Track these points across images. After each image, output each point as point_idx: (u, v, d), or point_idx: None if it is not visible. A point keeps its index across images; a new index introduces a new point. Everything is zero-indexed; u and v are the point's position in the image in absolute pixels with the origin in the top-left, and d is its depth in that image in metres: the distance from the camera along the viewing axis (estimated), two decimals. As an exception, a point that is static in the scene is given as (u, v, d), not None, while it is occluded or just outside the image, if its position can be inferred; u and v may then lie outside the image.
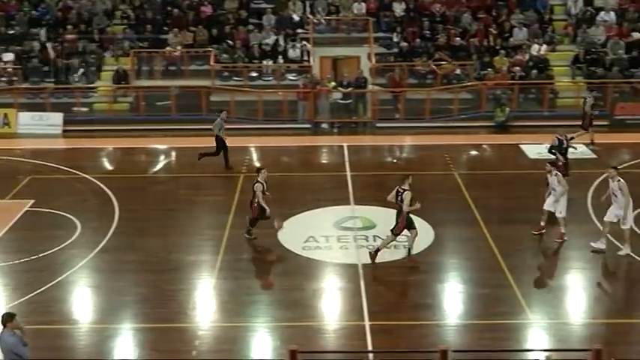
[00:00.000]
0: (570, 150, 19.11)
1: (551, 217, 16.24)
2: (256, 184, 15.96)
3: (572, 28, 28.38)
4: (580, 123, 23.17)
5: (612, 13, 28.24)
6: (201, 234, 16.97)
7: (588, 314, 13.59)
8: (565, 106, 26.16)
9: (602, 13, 28.21)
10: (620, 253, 15.37)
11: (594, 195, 18.52)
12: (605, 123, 25.00)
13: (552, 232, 16.31)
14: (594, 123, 23.21)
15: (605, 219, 15.51)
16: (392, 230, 15.13)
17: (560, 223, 16.03)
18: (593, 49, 27.18)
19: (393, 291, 14.29)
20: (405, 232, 15.15)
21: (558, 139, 18.71)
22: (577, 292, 14.49)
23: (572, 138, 21.95)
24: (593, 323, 13.18)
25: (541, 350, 11.41)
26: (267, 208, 15.92)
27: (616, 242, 15.62)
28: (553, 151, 18.68)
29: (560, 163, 18.06)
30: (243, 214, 17.78)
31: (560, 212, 15.97)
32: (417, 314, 13.36)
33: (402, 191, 14.91)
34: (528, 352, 11.78)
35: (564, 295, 14.28)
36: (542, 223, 16.33)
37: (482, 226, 16.88)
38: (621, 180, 15.43)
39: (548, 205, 16.20)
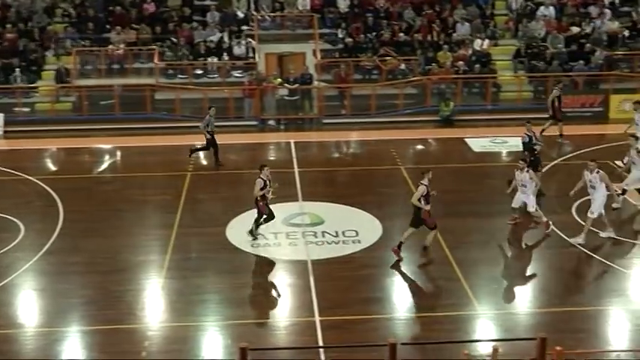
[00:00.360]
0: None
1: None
2: (257, 180, 15.83)
3: (514, 23, 28.86)
4: (548, 115, 23.57)
5: (552, 8, 28.79)
6: (149, 234, 16.81)
7: (534, 304, 13.87)
8: (508, 100, 26.61)
9: (541, 8, 28.73)
10: (576, 240, 15.70)
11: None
12: (546, 116, 25.47)
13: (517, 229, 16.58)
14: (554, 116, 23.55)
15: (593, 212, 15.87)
16: (421, 226, 15.26)
17: (536, 216, 16.25)
18: (534, 44, 27.67)
19: (343, 286, 14.35)
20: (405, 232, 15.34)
21: (527, 135, 18.58)
22: (522, 283, 14.77)
23: (541, 131, 22.42)
24: (539, 312, 13.45)
25: (488, 340, 11.59)
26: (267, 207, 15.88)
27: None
28: (533, 147, 18.50)
29: (528, 160, 18.17)
30: (190, 212, 17.71)
31: (533, 207, 16.15)
32: (366, 308, 13.45)
33: (419, 184, 15.26)
34: (476, 343, 11.96)
35: (510, 286, 14.54)
36: (516, 215, 16.52)
37: (430, 220, 17.06)
38: (600, 171, 15.87)
39: (517, 202, 16.31)
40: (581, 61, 26.89)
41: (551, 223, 16.28)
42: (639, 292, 14.27)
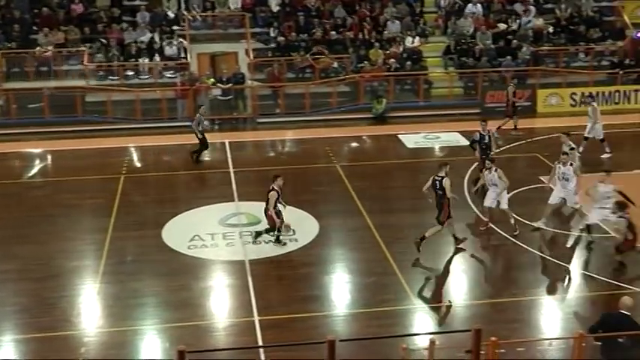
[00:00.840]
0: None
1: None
2: (271, 192, 15.44)
3: (443, 20, 29.34)
4: (504, 110, 24.14)
5: (479, 5, 29.36)
6: (83, 239, 16.52)
7: (469, 296, 14.14)
8: (439, 96, 27.03)
9: (469, 5, 29.28)
10: (580, 227, 16.19)
11: (470, 181, 19.26)
12: (477, 111, 26.00)
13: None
14: (513, 110, 24.15)
15: (569, 204, 16.34)
16: (437, 219, 15.35)
17: (509, 215, 16.34)
18: (463, 40, 28.19)
19: (281, 285, 14.38)
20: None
21: (480, 133, 18.66)
22: (458, 276, 15.03)
23: (499, 127, 22.85)
24: (474, 304, 13.72)
25: (426, 334, 11.77)
26: (280, 217, 15.56)
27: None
28: (474, 145, 18.71)
29: (483, 157, 18.40)
30: (125, 216, 17.46)
31: (506, 204, 16.23)
32: (305, 306, 13.50)
33: (439, 179, 15.21)
34: (414, 337, 12.13)
35: (446, 279, 14.80)
36: (486, 218, 16.59)
37: (366, 216, 17.23)
38: (574, 164, 16.42)
39: (489, 201, 16.36)
40: (509, 57, 27.53)
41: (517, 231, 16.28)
42: (569, 282, 14.69)
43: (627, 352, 10.03)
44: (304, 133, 24.08)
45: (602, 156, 20.76)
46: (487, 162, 16.55)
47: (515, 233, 16.07)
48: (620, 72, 27.14)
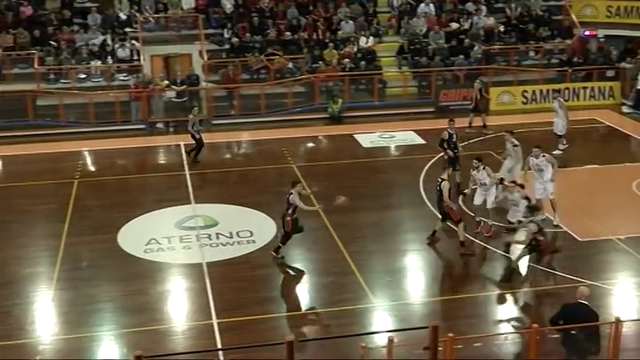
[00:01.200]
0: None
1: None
2: (291, 196, 15.05)
3: (396, 20, 29.52)
4: (472, 108, 24.28)
5: (431, 5, 29.61)
6: (36, 245, 16.24)
7: (427, 293, 14.26)
8: (393, 96, 27.20)
9: (422, 5, 29.51)
10: (555, 222, 16.42)
11: (425, 179, 19.43)
12: (431, 110, 26.26)
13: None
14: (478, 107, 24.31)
15: (537, 197, 16.50)
16: (443, 220, 15.58)
17: (490, 215, 16.46)
18: (416, 40, 28.40)
19: (240, 287, 14.32)
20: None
21: (449, 132, 18.70)
22: (415, 273, 15.16)
23: (470, 124, 23.01)
24: (432, 301, 13.86)
25: (384, 332, 11.85)
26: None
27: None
28: (444, 145, 18.68)
29: (447, 157, 18.49)
30: (79, 221, 17.23)
31: (492, 203, 16.26)
32: (264, 308, 13.48)
33: (440, 181, 15.36)
34: (373, 335, 12.19)
35: (404, 277, 14.91)
36: (478, 218, 16.49)
37: (323, 216, 17.24)
38: (547, 155, 16.64)
39: (478, 200, 16.36)
40: (462, 56, 27.82)
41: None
42: (523, 278, 14.89)
43: (585, 342, 10.28)
44: (260, 134, 24.03)
45: (554, 152, 21.10)
46: (475, 161, 16.55)
47: (488, 235, 16.26)
48: (569, 70, 27.62)
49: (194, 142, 21.35)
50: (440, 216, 15.88)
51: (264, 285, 14.43)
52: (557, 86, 27.01)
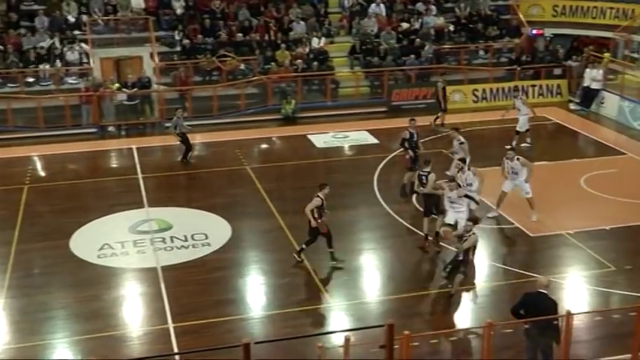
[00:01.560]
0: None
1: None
2: (315, 198, 14.88)
3: (347, 21, 29.64)
4: (438, 106, 24.56)
5: (382, 5, 29.79)
6: (-15, 253, 15.93)
7: (383, 292, 14.36)
8: (346, 96, 27.31)
9: (372, 6, 29.67)
10: (533, 219, 16.64)
11: (379, 178, 19.56)
12: (384, 109, 26.43)
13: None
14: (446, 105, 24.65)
15: (504, 189, 16.88)
16: (432, 214, 15.71)
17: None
18: (368, 40, 28.55)
19: (195, 290, 14.23)
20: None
21: (410, 132, 18.77)
22: (371, 272, 15.25)
23: (436, 121, 23.07)
24: (388, 299, 13.95)
25: (340, 331, 11.89)
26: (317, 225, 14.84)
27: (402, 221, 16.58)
28: (405, 144, 18.72)
29: (408, 157, 18.54)
30: (30, 227, 16.95)
31: (477, 204, 16.24)
32: (220, 311, 13.42)
33: (424, 174, 15.58)
34: (330, 335, 12.23)
35: (360, 276, 14.98)
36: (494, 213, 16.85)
37: (278, 217, 17.26)
38: (520, 158, 16.88)
39: (450, 219, 15.93)
40: (413, 56, 28.05)
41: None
42: (477, 274, 15.07)
43: (546, 330, 10.57)
44: (213, 137, 23.89)
45: (507, 146, 21.37)
46: (458, 162, 16.66)
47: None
48: (518, 68, 28.07)
49: (181, 143, 21.41)
50: (424, 211, 15.92)
51: (220, 288, 14.37)
52: (507, 84, 27.47)
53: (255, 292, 14.36)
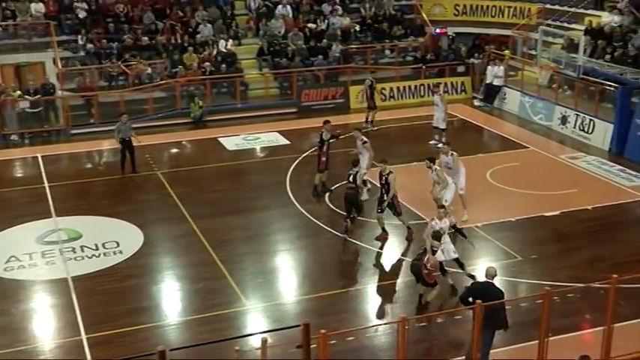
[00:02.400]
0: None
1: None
2: (390, 176, 15.80)
3: (254, 22, 29.63)
4: (367, 105, 24.83)
5: (288, 7, 29.92)
6: None
7: (299, 292, 14.43)
8: (256, 97, 27.28)
9: (279, 7, 29.77)
10: (464, 219, 16.75)
11: (292, 179, 19.66)
12: (294, 110, 26.54)
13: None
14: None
15: (459, 190, 17.04)
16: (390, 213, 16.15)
17: (447, 211, 16.40)
18: (275, 42, 28.61)
19: (108, 299, 13.95)
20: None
21: (323, 132, 18.59)
22: (287, 273, 15.31)
23: (369, 121, 23.17)
24: (305, 299, 14.03)
25: (257, 333, 11.88)
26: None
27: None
28: (321, 144, 18.63)
29: (324, 159, 18.52)
30: None
31: (446, 201, 16.26)
32: (135, 319, 13.21)
33: (387, 173, 15.90)
34: (248, 338, 12.20)
35: (275, 278, 15.02)
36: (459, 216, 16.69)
37: (191, 222, 17.11)
38: (454, 153, 17.01)
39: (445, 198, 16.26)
40: (320, 56, 28.27)
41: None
42: (391, 269, 15.38)
43: (495, 315, 10.97)
44: (121, 142, 23.44)
45: (431, 142, 21.80)
46: (427, 161, 16.76)
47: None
48: (423, 66, 28.68)
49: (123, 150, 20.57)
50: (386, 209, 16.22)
51: (134, 296, 14.14)
52: (413, 83, 28.03)
53: (170, 299, 14.20)
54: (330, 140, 18.79)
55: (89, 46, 26.59)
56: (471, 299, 11.17)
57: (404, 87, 28.04)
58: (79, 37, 26.98)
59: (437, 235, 13.59)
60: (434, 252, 13.43)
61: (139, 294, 14.20)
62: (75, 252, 15.75)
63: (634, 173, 20.06)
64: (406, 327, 10.18)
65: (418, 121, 22.86)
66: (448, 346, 12.37)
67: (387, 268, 15.45)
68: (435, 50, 30.04)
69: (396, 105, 27.25)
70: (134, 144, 20.59)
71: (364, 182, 17.76)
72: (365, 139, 18.58)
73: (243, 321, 13.35)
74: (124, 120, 20.69)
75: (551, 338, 11.14)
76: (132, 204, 18.38)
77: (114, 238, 16.31)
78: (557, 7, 29.49)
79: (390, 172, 16.02)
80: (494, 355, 11.59)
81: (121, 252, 15.73)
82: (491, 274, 11.52)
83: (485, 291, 11.22)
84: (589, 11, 28.38)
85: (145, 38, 27.35)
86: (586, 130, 23.24)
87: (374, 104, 24.95)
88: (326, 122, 19.05)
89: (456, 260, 14.13)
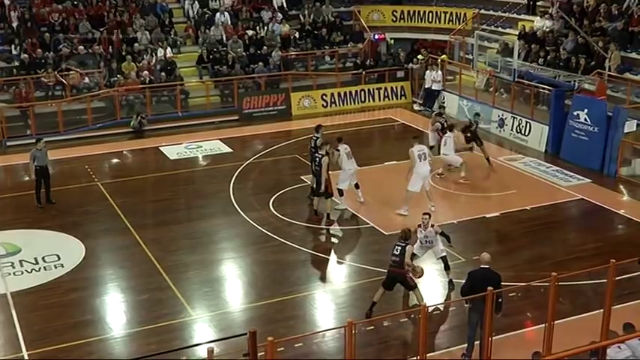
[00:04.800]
0: None
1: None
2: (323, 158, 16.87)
3: (193, 30, 29.46)
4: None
5: (227, 14, 29.84)
6: None
7: (246, 300, 14.38)
8: (197, 106, 27.11)
9: (218, 14, 29.66)
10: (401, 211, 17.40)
11: (235, 187, 19.60)
12: (235, 118, 26.47)
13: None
14: None
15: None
16: (317, 192, 17.19)
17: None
18: (215, 49, 28.49)
19: (51, 314, 13.67)
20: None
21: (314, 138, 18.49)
22: (233, 281, 15.24)
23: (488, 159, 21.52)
24: (251, 307, 13.98)
25: (203, 343, 11.82)
26: None
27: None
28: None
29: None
30: None
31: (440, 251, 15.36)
32: (79, 333, 12.98)
33: (319, 156, 16.99)
34: (194, 348, 12.12)
35: (221, 286, 14.93)
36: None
37: (134, 233, 16.91)
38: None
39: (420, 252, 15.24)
40: (261, 63, 28.25)
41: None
42: (336, 274, 15.46)
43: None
44: (60, 153, 22.96)
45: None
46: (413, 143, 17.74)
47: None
48: (363, 72, 28.93)
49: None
50: (315, 190, 17.32)
51: (77, 309, 13.89)
52: (354, 88, 28.25)
53: (114, 311, 13.99)
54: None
55: (24, 55, 26.05)
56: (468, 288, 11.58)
57: (344, 93, 28.23)
58: (13, 46, 26.42)
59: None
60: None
61: (82, 307, 13.96)
62: (14, 267, 15.40)
63: (570, 173, 20.60)
64: (354, 331, 10.24)
65: (361, 126, 23.04)
66: (397, 348, 12.49)
67: (334, 273, 15.53)
68: (375, 56, 30.34)
69: (337, 111, 27.43)
70: (50, 172, 18.85)
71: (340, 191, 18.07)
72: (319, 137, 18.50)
73: (189, 331, 13.24)
74: (41, 146, 18.67)
75: (495, 337, 11.35)
76: (72, 216, 18.06)
77: (54, 251, 16.00)
78: (491, 12, 30.15)
79: (323, 155, 16.97)
80: (440, 356, 11.76)
81: (62, 265, 15.44)
82: (485, 260, 11.90)
83: (484, 276, 11.63)
84: (522, 16, 29.09)
85: (82, 47, 26.92)
86: (523, 132, 23.77)
87: (480, 142, 21.61)
88: (318, 126, 18.94)
89: (443, 259, 14.47)
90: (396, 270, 13.19)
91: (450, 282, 14.37)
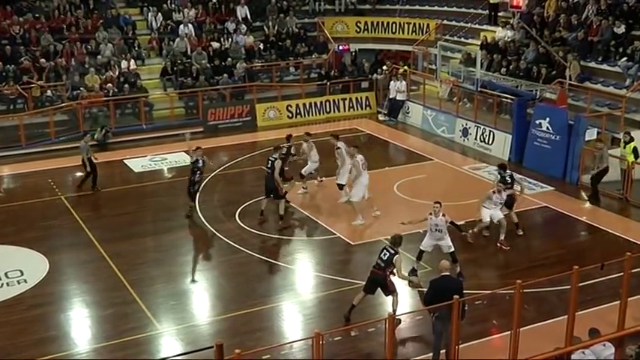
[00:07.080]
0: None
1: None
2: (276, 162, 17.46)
3: (157, 42, 29.35)
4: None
5: (191, 26, 29.78)
6: None
7: (212, 312, 14.30)
8: (161, 118, 26.98)
9: (182, 26, 29.58)
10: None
11: (201, 199, 19.50)
12: (200, 130, 26.35)
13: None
14: None
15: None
16: (276, 196, 17.57)
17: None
18: (179, 61, 28.41)
19: (13, 331, 13.45)
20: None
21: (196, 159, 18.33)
22: (199, 294, 15.14)
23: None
24: (218, 320, 13.91)
25: (169, 357, 11.73)
26: None
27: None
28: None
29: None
30: None
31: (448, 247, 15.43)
32: (43, 349, 12.80)
33: (272, 159, 17.53)
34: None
35: (188, 299, 14.83)
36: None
37: (99, 247, 16.75)
38: (359, 156, 17.96)
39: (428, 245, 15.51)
40: (225, 75, 28.22)
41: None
42: (303, 286, 15.46)
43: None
44: (22, 167, 22.75)
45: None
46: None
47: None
48: (328, 83, 29.04)
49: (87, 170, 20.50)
50: (266, 193, 17.76)
51: (42, 325, 13.69)
52: (319, 99, 28.35)
53: (79, 326, 13.82)
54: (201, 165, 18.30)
55: (-16, 69, 25.73)
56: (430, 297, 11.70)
57: (310, 104, 28.31)
58: (-27, 60, 26.10)
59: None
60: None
61: (46, 323, 13.77)
62: (-19, 283, 15.17)
63: (533, 182, 20.86)
64: (321, 342, 10.24)
65: (326, 137, 23.02)
66: (364, 358, 12.50)
67: (300, 284, 15.52)
68: (339, 67, 30.48)
69: (303, 122, 27.46)
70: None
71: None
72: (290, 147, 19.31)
73: (156, 345, 13.13)
74: (88, 139, 20.90)
75: (461, 345, 11.44)
76: (35, 231, 17.83)
77: (17, 266, 15.78)
78: (454, 23, 30.48)
79: (276, 159, 17.59)
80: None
81: (25, 281, 15.23)
82: (445, 267, 12.04)
83: (446, 285, 11.70)
84: (484, 27, 29.46)
85: (43, 60, 26.66)
86: (486, 141, 24.03)
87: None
88: (289, 139, 19.63)
89: (451, 254, 14.85)
90: (377, 271, 13.24)
91: (460, 274, 14.75)
